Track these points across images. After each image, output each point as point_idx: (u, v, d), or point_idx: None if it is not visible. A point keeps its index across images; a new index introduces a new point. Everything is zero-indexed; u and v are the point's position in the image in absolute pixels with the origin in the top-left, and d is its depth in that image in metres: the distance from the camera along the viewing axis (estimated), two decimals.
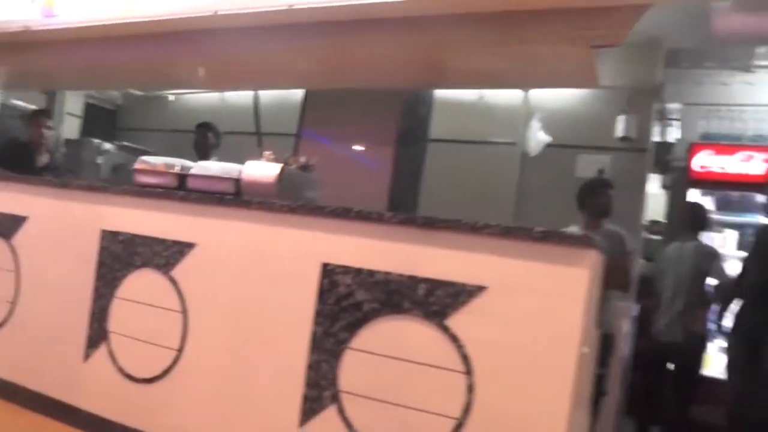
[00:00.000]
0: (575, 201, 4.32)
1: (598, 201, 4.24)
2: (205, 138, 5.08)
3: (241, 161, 3.56)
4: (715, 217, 6.56)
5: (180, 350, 3.22)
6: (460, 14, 3.37)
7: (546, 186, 5.70)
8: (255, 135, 5.09)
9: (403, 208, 5.15)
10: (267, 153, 3.49)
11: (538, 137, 5.61)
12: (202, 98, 7.62)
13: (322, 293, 2.91)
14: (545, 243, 2.62)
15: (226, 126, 5.36)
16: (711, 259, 4.94)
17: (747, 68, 6.39)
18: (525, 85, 5.09)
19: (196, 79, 4.86)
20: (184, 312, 3.23)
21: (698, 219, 5.19)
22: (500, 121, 5.89)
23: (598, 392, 3.72)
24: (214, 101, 7.38)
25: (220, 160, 4.54)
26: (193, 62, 4.33)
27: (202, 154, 4.97)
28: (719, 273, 4.88)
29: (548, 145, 5.58)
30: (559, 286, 2.55)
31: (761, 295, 4.23)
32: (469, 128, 5.97)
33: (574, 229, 4.21)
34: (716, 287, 4.86)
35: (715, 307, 4.79)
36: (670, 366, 4.83)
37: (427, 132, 5.80)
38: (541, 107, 5.67)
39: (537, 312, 2.57)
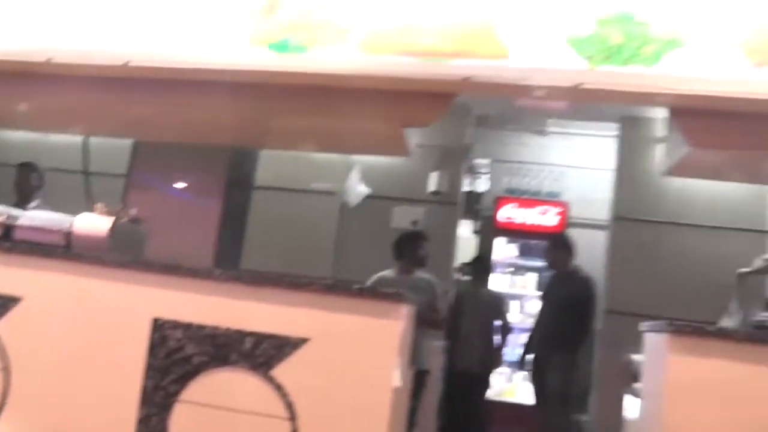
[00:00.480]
0: (392, 251, 4.74)
1: (415, 253, 4.70)
2: (27, 179, 4.82)
3: (67, 205, 3.62)
4: (518, 261, 7.48)
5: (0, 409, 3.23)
6: (284, 84, 3.76)
7: (363, 235, 6.13)
8: (81, 174, 5.04)
9: (228, 257, 5.42)
10: (98, 205, 3.64)
11: (357, 189, 6.02)
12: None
13: (153, 347, 3.12)
14: (362, 298, 3.04)
15: (47, 162, 5.09)
16: (499, 302, 5.83)
17: (542, 132, 7.37)
18: (342, 151, 5.47)
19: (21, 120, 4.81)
20: (6, 369, 3.25)
21: (485, 268, 6.03)
22: (321, 171, 6.23)
23: (410, 424, 4.17)
24: (33, 135, 7.17)
25: (45, 203, 4.52)
26: (21, 103, 4.34)
27: (24, 196, 4.73)
28: (503, 315, 5.78)
29: (367, 197, 6.03)
30: (375, 336, 2.94)
31: (549, 332, 5.25)
32: (293, 176, 6.25)
33: (389, 273, 4.65)
34: (501, 326, 5.72)
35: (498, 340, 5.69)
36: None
37: (253, 181, 6.10)
38: (360, 160, 6.09)
39: (355, 360, 2.92)
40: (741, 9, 3.44)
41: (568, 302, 5.16)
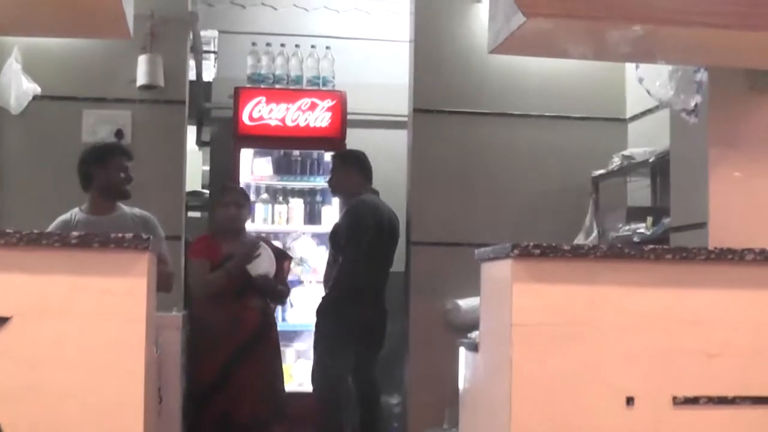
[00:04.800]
0: (78, 177, 4.65)
1: (112, 179, 4.62)
2: None
3: None
4: (275, 183, 7.34)
5: None
6: None
7: (38, 157, 5.84)
8: None
9: None
10: None
11: (20, 86, 5.64)
12: None
13: None
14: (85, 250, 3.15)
15: None
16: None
17: None
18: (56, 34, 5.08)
19: None
20: None
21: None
22: None
23: None
24: None
25: None
26: None
27: None
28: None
29: (36, 97, 5.70)
30: (112, 303, 3.12)
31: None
32: None
33: (77, 213, 4.60)
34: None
35: None
36: None
37: None
38: (20, 41, 5.63)
39: (81, 343, 3.10)
40: None
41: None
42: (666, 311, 3.52)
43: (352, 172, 5.75)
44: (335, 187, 5.95)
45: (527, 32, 3.87)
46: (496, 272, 3.72)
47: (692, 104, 4.42)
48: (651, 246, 3.86)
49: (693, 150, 4.71)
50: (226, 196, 5.67)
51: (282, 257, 5.76)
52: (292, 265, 6.30)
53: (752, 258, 3.61)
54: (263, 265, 5.42)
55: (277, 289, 5.60)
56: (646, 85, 4.44)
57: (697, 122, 4.47)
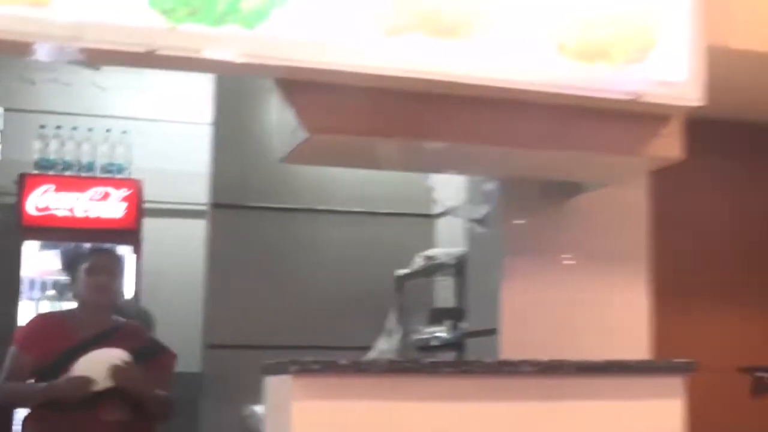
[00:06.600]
0: None
1: None
2: None
3: None
4: (64, 279, 7.50)
5: None
6: None
7: None
8: None
9: None
10: None
11: None
12: None
13: None
14: None
15: None
16: None
17: (95, 65, 7.41)
18: None
19: None
20: None
21: None
22: None
23: None
24: None
25: None
26: None
27: None
28: None
29: None
30: None
31: None
32: None
33: None
34: None
35: None
36: None
37: None
38: None
39: None
40: None
41: None
42: (448, 425, 4.06)
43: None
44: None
45: (313, 145, 4.33)
46: (278, 387, 4.11)
47: (481, 214, 5.11)
48: (430, 360, 4.53)
49: (487, 256, 5.36)
50: (94, 260, 4.92)
51: (156, 353, 4.92)
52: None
53: (531, 370, 4.22)
54: (115, 374, 4.54)
55: (150, 398, 4.71)
56: (435, 194, 5.08)
57: (486, 231, 5.17)
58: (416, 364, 4.33)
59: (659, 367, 4.67)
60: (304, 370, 3.93)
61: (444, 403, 4.11)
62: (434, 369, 4.24)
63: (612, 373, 4.41)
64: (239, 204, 6.62)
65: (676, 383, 4.45)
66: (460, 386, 4.16)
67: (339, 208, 6.77)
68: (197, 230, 7.09)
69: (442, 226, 6.85)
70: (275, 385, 4.23)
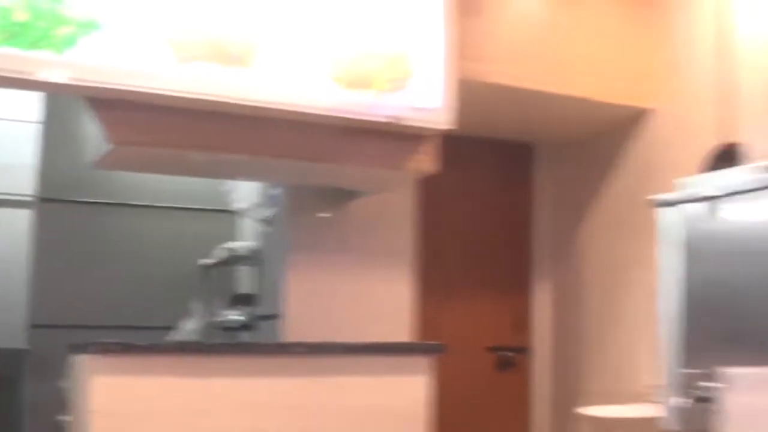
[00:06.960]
0: None
1: None
2: None
3: None
4: None
5: None
6: None
7: None
8: None
9: None
10: None
11: None
12: None
13: None
14: None
15: None
16: None
17: None
18: None
19: None
20: None
21: None
22: None
23: None
24: None
25: None
26: None
27: None
28: None
29: None
30: None
31: None
32: None
33: None
34: None
35: None
36: None
37: None
38: None
39: None
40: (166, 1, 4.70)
41: None
42: (230, 399, 4.74)
43: None
44: None
45: (117, 155, 4.89)
46: (81, 364, 4.71)
47: (267, 215, 5.86)
48: (214, 342, 5.38)
49: (274, 251, 6.15)
50: None
51: None
52: None
53: (302, 351, 5.02)
54: None
55: None
56: (228, 196, 5.79)
57: (273, 230, 5.95)
58: (200, 345, 5.10)
59: (409, 348, 5.50)
60: (103, 349, 4.54)
61: (226, 378, 4.78)
62: (217, 349, 4.93)
63: (371, 353, 5.18)
64: (64, 198, 6.97)
65: (423, 362, 5.22)
66: (240, 364, 4.86)
67: (152, 203, 7.21)
68: (21, 219, 7.16)
69: (243, 221, 7.28)
70: (78, 362, 4.81)
